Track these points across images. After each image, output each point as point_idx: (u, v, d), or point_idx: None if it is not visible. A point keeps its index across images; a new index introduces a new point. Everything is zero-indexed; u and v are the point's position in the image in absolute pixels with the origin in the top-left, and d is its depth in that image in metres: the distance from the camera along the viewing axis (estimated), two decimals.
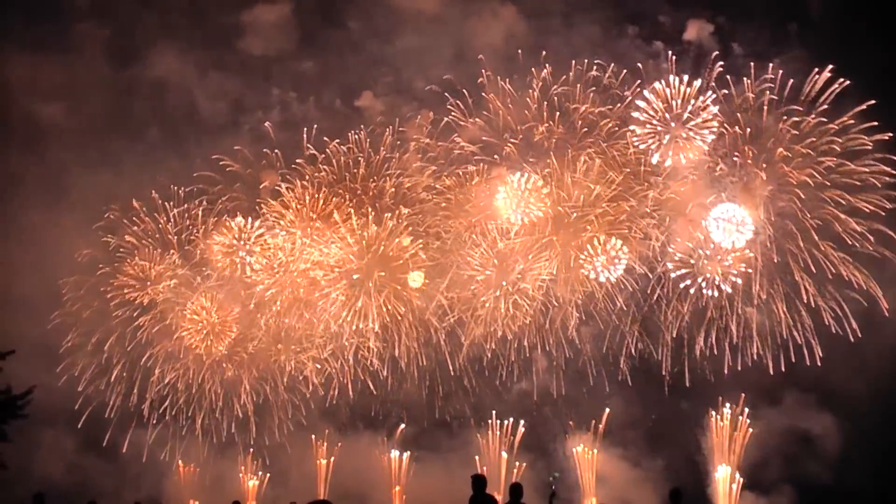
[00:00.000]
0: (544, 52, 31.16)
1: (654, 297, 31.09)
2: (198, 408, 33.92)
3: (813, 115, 29.02)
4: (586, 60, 30.75)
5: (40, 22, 33.17)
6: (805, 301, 29.37)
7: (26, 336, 28.33)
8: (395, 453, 34.50)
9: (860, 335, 28.47)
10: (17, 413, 9.38)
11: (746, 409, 30.86)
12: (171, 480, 33.41)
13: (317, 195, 33.40)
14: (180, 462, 34.13)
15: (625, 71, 30.53)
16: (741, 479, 30.63)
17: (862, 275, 28.72)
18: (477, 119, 32.10)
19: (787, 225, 29.63)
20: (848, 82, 28.49)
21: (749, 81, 29.49)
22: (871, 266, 28.65)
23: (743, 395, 30.74)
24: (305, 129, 33.40)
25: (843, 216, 28.93)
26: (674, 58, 30.20)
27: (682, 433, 31.75)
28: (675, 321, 30.98)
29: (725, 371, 30.52)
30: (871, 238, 28.64)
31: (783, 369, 29.73)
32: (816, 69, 28.78)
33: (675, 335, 31.13)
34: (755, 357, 30.05)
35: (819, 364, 29.20)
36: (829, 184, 29.08)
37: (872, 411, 26.93)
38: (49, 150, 32.81)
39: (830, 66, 28.52)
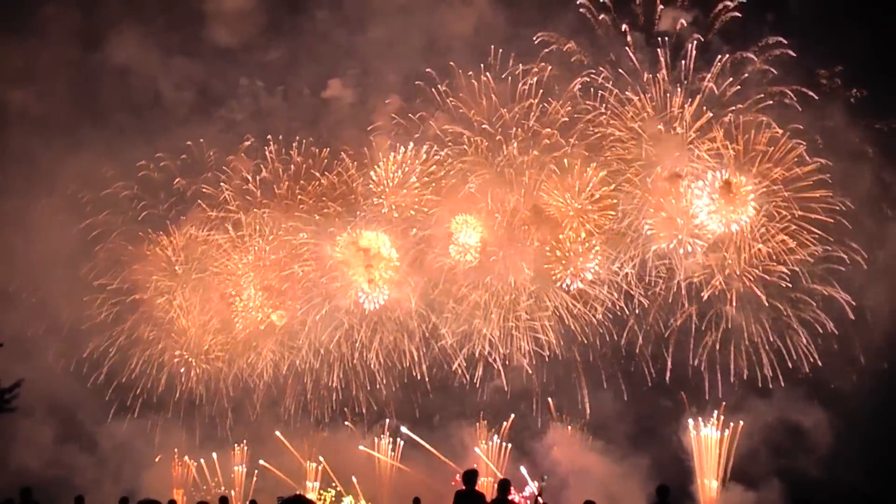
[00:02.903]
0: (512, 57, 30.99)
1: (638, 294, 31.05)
2: (180, 400, 33.78)
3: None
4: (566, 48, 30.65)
5: (4, 4, 32.36)
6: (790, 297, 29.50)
7: (2, 326, 27.98)
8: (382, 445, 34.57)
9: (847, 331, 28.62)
10: (4, 407, 9.00)
11: (720, 416, 30.99)
12: (152, 473, 33.12)
13: (291, 187, 33.29)
14: (162, 455, 33.97)
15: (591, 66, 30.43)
16: (720, 477, 30.77)
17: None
18: (447, 109, 31.89)
19: (769, 221, 29.54)
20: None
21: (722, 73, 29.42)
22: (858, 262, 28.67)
23: (712, 394, 30.91)
24: (275, 123, 33.47)
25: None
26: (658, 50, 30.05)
27: (666, 430, 31.78)
28: (659, 316, 30.99)
29: (711, 369, 30.63)
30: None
31: (771, 365, 29.83)
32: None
33: (659, 331, 31.16)
34: (741, 353, 30.15)
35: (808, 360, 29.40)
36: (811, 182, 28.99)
37: (864, 404, 26.90)
38: (16, 135, 31.94)
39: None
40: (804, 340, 29.36)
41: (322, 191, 33.13)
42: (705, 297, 29.99)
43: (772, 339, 29.75)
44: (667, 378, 31.18)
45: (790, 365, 29.54)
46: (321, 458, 34.52)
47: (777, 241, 29.25)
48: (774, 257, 29.35)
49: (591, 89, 30.48)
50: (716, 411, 30.99)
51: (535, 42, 30.64)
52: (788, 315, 29.51)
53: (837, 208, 28.38)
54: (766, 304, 29.49)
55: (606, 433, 32.15)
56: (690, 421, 31.31)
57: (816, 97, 28.70)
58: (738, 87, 29.05)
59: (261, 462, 34.58)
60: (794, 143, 28.67)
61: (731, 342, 30.16)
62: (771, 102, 28.84)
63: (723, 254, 29.74)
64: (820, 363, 29.07)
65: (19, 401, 9.10)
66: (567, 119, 30.74)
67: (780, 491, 28.25)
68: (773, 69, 28.97)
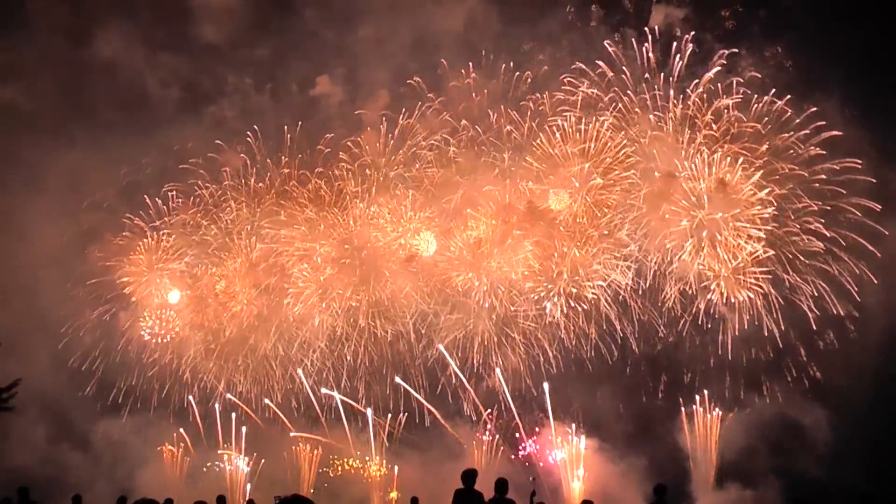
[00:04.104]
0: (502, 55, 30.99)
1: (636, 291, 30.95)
2: (174, 399, 33.73)
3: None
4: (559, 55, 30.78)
5: None
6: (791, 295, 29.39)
7: None
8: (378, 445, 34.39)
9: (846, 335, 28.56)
10: (2, 406, 8.92)
11: (717, 409, 30.96)
12: (146, 472, 33.02)
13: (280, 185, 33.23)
14: (156, 454, 33.96)
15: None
16: (713, 474, 30.76)
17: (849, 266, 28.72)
18: (437, 108, 31.84)
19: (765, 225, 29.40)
20: None
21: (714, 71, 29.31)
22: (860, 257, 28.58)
23: (708, 392, 30.80)
24: (264, 121, 33.43)
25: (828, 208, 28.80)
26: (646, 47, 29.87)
27: (663, 427, 31.75)
28: (655, 321, 30.91)
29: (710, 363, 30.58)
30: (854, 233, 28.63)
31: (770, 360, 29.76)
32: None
33: (653, 336, 31.10)
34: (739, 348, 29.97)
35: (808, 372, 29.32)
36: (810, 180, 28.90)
37: (864, 403, 26.87)
38: (6, 132, 31.74)
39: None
40: (803, 354, 29.37)
41: (312, 189, 33.06)
42: (702, 303, 29.88)
43: (770, 354, 29.68)
44: (661, 386, 31.21)
45: (790, 380, 29.60)
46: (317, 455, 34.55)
47: (774, 245, 29.18)
48: (772, 263, 29.26)
49: (583, 83, 30.44)
50: (711, 402, 30.97)
51: (526, 49, 30.93)
52: (787, 327, 29.46)
53: (834, 212, 28.50)
54: (764, 313, 29.35)
55: (602, 433, 32.10)
56: (685, 420, 31.32)
57: (812, 103, 28.71)
58: (732, 87, 29.07)
59: (253, 461, 34.49)
60: (790, 146, 28.71)
61: (728, 352, 30.01)
62: (766, 106, 28.80)
63: (719, 252, 29.63)
64: (821, 378, 29.11)
65: (14, 400, 9.03)
66: (558, 119, 30.69)
67: (778, 489, 28.20)
68: (767, 75, 29.12)
